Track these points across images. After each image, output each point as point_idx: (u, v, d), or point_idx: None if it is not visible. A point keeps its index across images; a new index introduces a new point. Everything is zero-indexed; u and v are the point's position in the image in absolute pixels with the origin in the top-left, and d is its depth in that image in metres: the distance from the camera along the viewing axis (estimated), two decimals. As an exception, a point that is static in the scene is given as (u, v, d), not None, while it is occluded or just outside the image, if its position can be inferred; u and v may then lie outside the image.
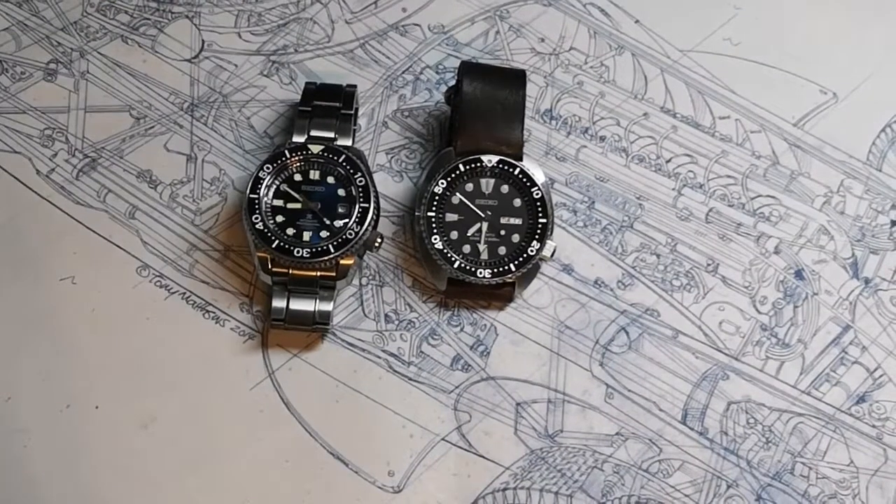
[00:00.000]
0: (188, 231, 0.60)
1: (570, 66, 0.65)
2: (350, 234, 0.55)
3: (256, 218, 0.55)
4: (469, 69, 0.59)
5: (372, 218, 0.56)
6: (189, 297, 0.58)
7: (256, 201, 0.55)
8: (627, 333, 0.59)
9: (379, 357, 0.58)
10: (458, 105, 0.58)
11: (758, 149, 0.64)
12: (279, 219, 0.56)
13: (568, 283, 0.60)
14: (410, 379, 0.58)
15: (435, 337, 0.58)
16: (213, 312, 0.58)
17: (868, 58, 0.65)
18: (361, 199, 0.56)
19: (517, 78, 0.59)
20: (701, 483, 0.56)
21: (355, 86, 0.60)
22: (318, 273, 0.55)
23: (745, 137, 0.64)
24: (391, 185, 0.62)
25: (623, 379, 0.58)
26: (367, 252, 0.58)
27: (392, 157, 0.62)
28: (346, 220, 0.56)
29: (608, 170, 0.63)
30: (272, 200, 0.56)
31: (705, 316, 0.60)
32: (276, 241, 0.55)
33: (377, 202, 0.57)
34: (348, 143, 0.58)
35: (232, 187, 0.61)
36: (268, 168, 0.56)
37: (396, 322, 0.58)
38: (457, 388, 0.58)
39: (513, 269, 0.56)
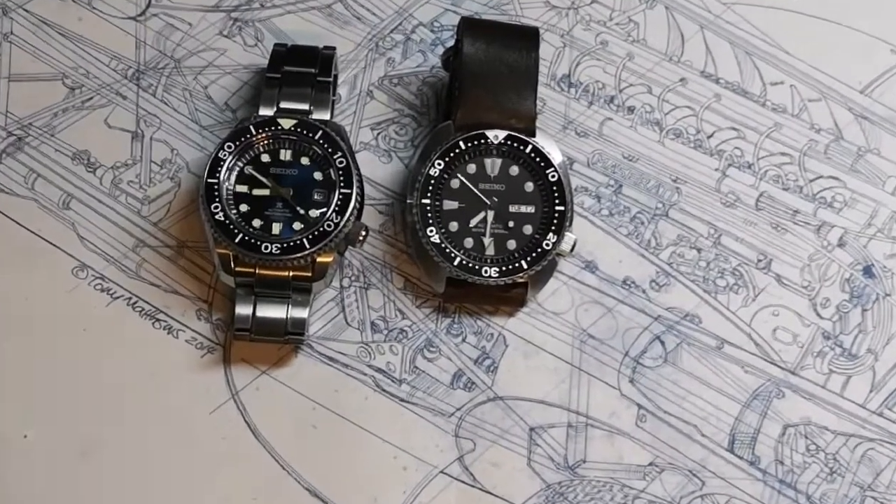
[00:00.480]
0: (134, 224, 0.58)
1: (591, 23, 0.62)
2: (328, 225, 0.53)
3: (216, 207, 0.53)
4: (471, 27, 0.57)
5: (355, 206, 0.54)
6: (136, 302, 0.57)
7: (216, 187, 0.54)
8: (663, 343, 0.57)
9: (364, 374, 0.56)
10: (458, 70, 0.56)
11: (817, 121, 0.61)
12: (243, 208, 0.54)
13: (591, 284, 0.58)
14: (402, 400, 0.56)
15: (432, 349, 0.56)
16: (165, 321, 0.56)
17: (948, 10, 0.63)
18: (342, 184, 0.54)
19: (529, 37, 0.57)
20: (752, 523, 0.55)
21: (334, 48, 0.58)
22: (291, 273, 0.54)
23: (803, 107, 0.61)
24: (378, 167, 0.59)
25: (658, 398, 0.56)
26: (350, 248, 0.55)
27: (379, 134, 0.60)
28: (324, 210, 0.54)
29: (638, 147, 0.60)
30: (235, 186, 0.54)
31: (756, 322, 0.57)
32: (240, 235, 0.53)
33: (361, 187, 0.55)
34: (326, 116, 0.56)
35: (186, 170, 0.59)
36: (229, 147, 0.54)
37: (385, 332, 0.57)
38: (458, 410, 0.56)
39: (524, 266, 0.54)
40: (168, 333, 0.56)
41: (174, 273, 0.57)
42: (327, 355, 0.56)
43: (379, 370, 0.56)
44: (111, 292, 0.56)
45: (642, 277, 0.58)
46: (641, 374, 0.56)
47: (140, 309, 0.56)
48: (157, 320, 0.56)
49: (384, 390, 0.56)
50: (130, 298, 0.56)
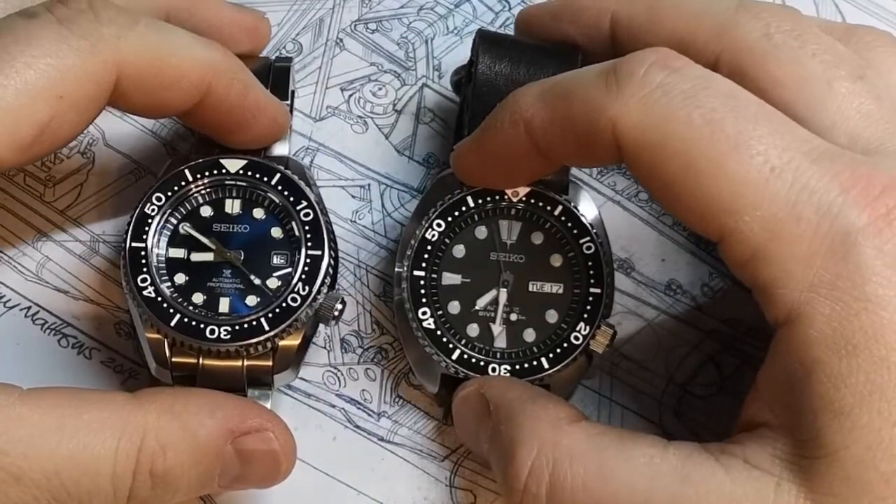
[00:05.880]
0: (34, 211, 0.56)
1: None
2: (293, 299, 0.49)
3: (144, 280, 0.49)
4: (489, 42, 0.52)
5: (327, 273, 0.50)
6: (36, 313, 0.54)
7: (143, 253, 0.49)
8: (718, 366, 0.53)
9: (333, 406, 0.53)
10: (472, 99, 0.52)
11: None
12: (180, 279, 0.50)
13: (625, 289, 0.54)
14: (382, 439, 0.53)
15: (420, 373, 0.54)
16: (75, 337, 0.54)
17: None
18: (309, 244, 0.50)
19: (566, 58, 0.51)
20: None
21: (290, 59, 0.55)
22: (246, 363, 0.50)
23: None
24: (350, 139, 0.56)
25: (711, 437, 0.50)
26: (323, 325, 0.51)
27: (351, 95, 0.57)
28: (287, 278, 0.50)
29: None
30: (168, 250, 0.50)
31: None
32: (177, 316, 0.49)
33: (334, 246, 0.51)
34: (284, 151, 0.52)
35: (102, 143, 0.56)
36: (158, 199, 0.50)
37: (360, 351, 0.54)
38: (454, 451, 0.53)
39: (545, 365, 0.50)
40: (79, 353, 0.53)
41: (86, 275, 0.54)
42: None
43: (351, 401, 0.53)
44: (3, 299, 0.54)
45: (692, 281, 0.55)
46: (690, 407, 0.53)
47: (42, 321, 0.54)
48: (65, 336, 0.54)
49: (358, 427, 0.53)
50: (29, 308, 0.54)
